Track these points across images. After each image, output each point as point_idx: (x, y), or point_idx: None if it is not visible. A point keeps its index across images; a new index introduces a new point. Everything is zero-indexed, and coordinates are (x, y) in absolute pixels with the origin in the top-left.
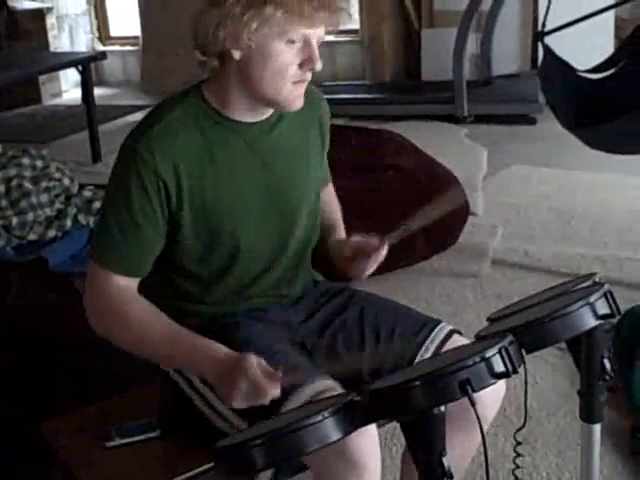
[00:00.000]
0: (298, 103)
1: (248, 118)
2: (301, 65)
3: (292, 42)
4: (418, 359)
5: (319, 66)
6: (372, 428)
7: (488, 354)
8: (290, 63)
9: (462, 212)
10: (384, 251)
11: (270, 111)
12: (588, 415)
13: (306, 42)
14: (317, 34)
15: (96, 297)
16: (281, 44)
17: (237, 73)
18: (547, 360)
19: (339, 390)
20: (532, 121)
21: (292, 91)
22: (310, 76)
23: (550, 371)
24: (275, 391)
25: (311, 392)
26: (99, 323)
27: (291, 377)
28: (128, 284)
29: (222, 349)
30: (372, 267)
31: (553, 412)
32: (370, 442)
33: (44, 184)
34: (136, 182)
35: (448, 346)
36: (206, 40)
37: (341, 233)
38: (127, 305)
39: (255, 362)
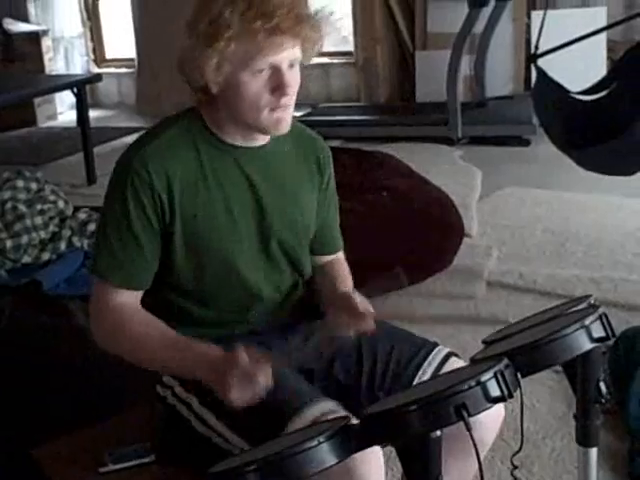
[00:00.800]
0: (282, 127)
1: (242, 143)
2: (272, 92)
3: (260, 71)
4: (416, 382)
5: (290, 91)
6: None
7: (483, 378)
8: (260, 93)
9: (457, 234)
10: (370, 324)
11: (265, 139)
12: (584, 439)
13: (274, 69)
14: (286, 58)
15: (100, 311)
16: (248, 75)
17: (222, 104)
18: (544, 383)
19: (341, 412)
20: (526, 143)
21: (270, 118)
22: (288, 100)
23: (547, 394)
24: (264, 375)
25: (314, 414)
26: (101, 336)
27: (280, 361)
28: (130, 298)
29: (215, 349)
30: (348, 331)
31: (550, 435)
32: (374, 459)
33: (38, 207)
34: (133, 197)
35: (445, 369)
36: (187, 76)
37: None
38: (129, 318)
39: (243, 353)
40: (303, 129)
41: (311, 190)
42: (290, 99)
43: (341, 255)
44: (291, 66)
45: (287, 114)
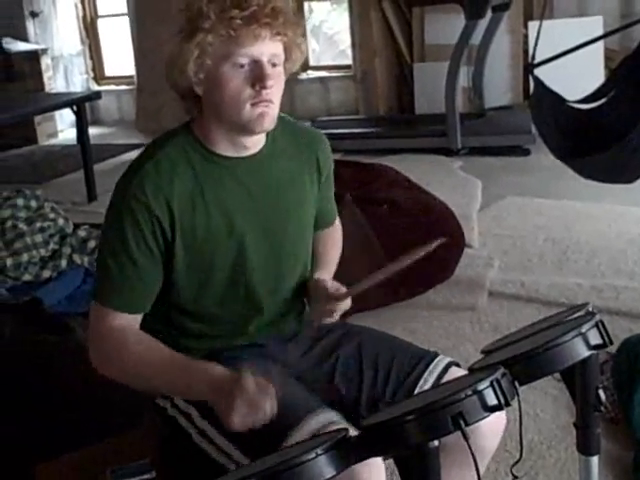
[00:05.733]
0: (266, 123)
1: (234, 153)
2: (253, 85)
3: (241, 66)
4: (417, 392)
5: (271, 84)
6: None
7: (480, 387)
8: (241, 85)
9: (458, 245)
10: (347, 303)
11: (258, 146)
12: (585, 447)
13: (255, 62)
14: (266, 52)
15: (99, 335)
16: (229, 69)
17: (207, 107)
18: (547, 392)
19: (341, 422)
20: (526, 152)
21: (252, 112)
22: (270, 95)
23: (550, 403)
24: (270, 404)
25: (313, 426)
26: (101, 360)
27: (280, 378)
28: (130, 322)
29: (218, 369)
30: (330, 316)
31: (554, 445)
32: (374, 470)
33: (38, 224)
34: (130, 220)
35: (447, 378)
36: (172, 82)
37: (324, 274)
38: (129, 341)
39: (250, 379)
40: (298, 127)
41: (311, 186)
42: (272, 94)
43: (336, 223)
44: (273, 65)
45: (270, 109)
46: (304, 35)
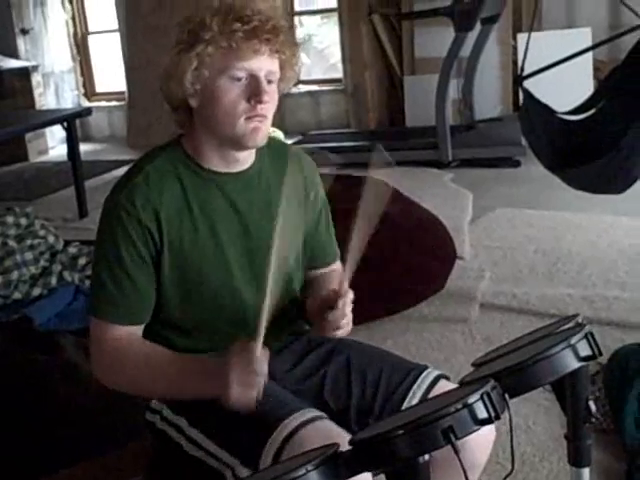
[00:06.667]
0: (258, 138)
1: (223, 168)
2: (249, 100)
3: (238, 79)
4: (405, 405)
5: (267, 99)
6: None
7: (470, 400)
8: (237, 99)
9: (449, 257)
10: (349, 296)
11: (248, 162)
12: (576, 459)
13: (252, 77)
14: (264, 68)
15: (99, 349)
16: (226, 82)
17: (199, 120)
18: (539, 403)
19: (326, 419)
20: (516, 164)
21: (246, 126)
22: (264, 110)
23: (542, 414)
24: (260, 365)
25: (298, 420)
26: (102, 371)
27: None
28: (130, 333)
29: (209, 359)
30: (335, 328)
31: (547, 457)
32: None
33: (29, 242)
34: (121, 233)
35: (435, 391)
36: (167, 93)
37: None
38: (127, 348)
39: (236, 355)
40: (287, 148)
41: (297, 207)
42: (266, 109)
43: (335, 267)
44: (269, 81)
45: (263, 125)
46: (299, 56)
